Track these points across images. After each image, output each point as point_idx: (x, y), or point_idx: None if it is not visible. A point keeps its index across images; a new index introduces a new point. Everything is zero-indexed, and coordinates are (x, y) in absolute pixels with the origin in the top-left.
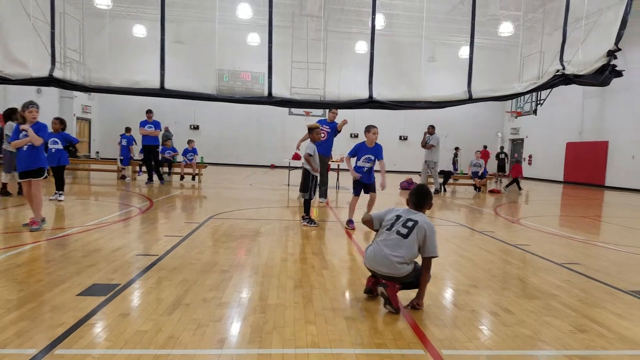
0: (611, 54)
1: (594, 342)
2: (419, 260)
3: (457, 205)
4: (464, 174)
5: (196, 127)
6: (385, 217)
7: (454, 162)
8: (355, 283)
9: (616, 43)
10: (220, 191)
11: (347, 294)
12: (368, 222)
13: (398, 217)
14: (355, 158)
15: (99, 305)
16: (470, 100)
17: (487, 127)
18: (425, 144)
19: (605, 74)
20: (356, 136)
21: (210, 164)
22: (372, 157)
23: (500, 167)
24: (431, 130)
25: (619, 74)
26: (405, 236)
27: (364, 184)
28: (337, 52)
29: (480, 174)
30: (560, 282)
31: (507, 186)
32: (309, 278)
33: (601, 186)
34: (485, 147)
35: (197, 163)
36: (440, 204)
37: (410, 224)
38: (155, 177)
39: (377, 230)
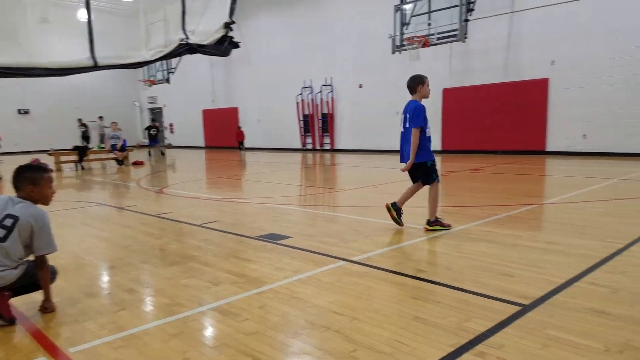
0: (227, 26)
1: (227, 290)
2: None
3: (98, 182)
4: (102, 147)
5: None
6: None
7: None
8: None
9: (230, 16)
10: None
11: None
12: None
13: None
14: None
15: None
16: (97, 67)
17: (123, 96)
18: None
19: (225, 45)
20: None
21: None
22: None
23: (152, 136)
24: None
25: (236, 45)
26: (3, 239)
27: None
28: None
29: (119, 146)
30: (199, 242)
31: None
32: None
33: (235, 148)
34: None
35: None
36: (79, 185)
37: (8, 222)
38: None
39: None
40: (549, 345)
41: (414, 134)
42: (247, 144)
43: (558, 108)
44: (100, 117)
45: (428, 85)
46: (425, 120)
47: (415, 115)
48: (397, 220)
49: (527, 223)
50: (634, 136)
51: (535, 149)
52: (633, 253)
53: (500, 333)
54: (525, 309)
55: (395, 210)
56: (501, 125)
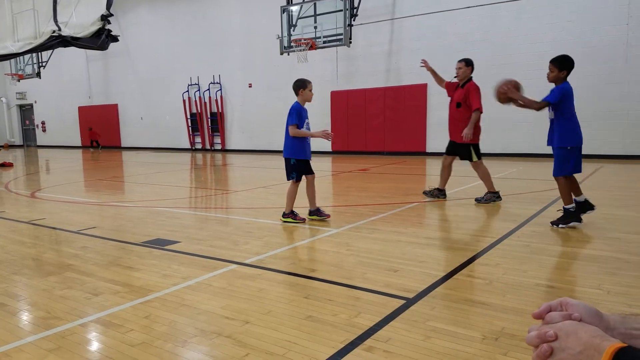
0: (104, 18)
1: (108, 300)
2: None
3: None
4: None
5: None
6: None
7: None
8: None
9: (107, 8)
10: None
11: None
12: None
13: None
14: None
15: None
16: None
17: None
18: None
19: (102, 38)
20: None
21: None
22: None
23: None
24: None
25: (115, 38)
26: None
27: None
28: None
29: None
30: (77, 250)
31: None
32: None
33: (118, 147)
34: None
35: None
36: None
37: None
38: None
39: None
40: (431, 336)
41: (290, 130)
42: (129, 143)
43: (437, 112)
44: None
45: (310, 90)
46: (301, 119)
47: (290, 114)
48: (321, 217)
49: (410, 220)
50: (499, 138)
51: (417, 150)
52: (504, 246)
53: (387, 327)
54: (409, 302)
55: (316, 214)
56: (386, 127)
